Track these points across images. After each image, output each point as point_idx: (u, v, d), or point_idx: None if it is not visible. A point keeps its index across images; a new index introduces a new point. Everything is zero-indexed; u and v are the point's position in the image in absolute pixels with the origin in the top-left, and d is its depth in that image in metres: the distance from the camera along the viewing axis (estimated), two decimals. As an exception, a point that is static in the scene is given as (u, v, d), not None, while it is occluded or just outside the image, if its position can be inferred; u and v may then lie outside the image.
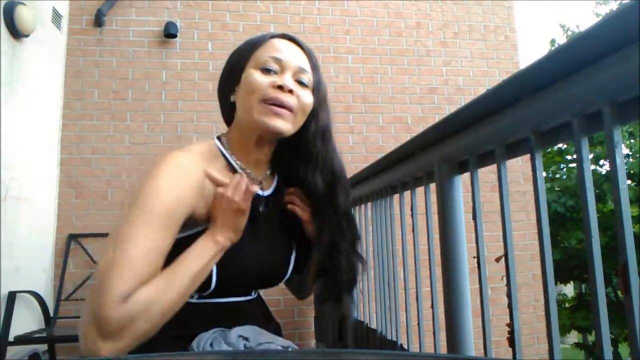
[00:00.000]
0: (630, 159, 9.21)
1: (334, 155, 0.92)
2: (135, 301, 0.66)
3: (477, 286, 1.02)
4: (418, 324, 1.46)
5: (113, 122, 3.28)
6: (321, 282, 0.95)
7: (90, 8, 3.36)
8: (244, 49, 0.91)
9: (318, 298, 2.49)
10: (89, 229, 3.12)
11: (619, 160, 0.65)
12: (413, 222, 1.43)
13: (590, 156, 3.49)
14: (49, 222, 3.04)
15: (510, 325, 0.91)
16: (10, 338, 2.40)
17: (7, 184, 2.51)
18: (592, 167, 8.92)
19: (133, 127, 3.30)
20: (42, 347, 2.74)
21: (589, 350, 9.19)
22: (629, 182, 8.29)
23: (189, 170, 0.79)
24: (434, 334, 1.32)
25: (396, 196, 1.65)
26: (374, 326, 1.87)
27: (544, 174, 4.09)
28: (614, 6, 11.49)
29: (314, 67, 0.90)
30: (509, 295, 0.91)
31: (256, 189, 0.88)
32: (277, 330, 0.95)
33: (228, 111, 0.94)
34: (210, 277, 0.80)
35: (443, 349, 1.26)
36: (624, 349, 8.70)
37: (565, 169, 9.82)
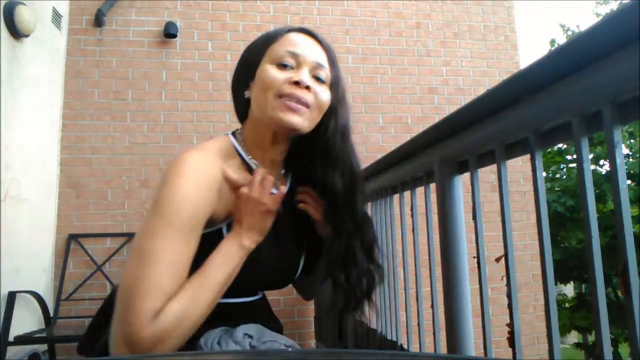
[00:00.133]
0: (630, 159, 9.21)
1: (353, 155, 0.88)
2: (165, 318, 0.65)
3: (477, 286, 1.02)
4: (418, 324, 1.45)
5: (113, 122, 3.28)
6: (336, 290, 0.91)
7: (90, 8, 3.36)
8: (259, 44, 0.87)
9: (334, 307, 2.49)
10: (89, 229, 3.12)
11: (619, 160, 0.65)
12: (413, 222, 1.43)
13: (590, 156, 3.49)
14: (49, 222, 3.04)
15: (510, 325, 0.91)
16: (10, 338, 2.40)
17: (7, 184, 2.51)
18: (592, 167, 8.92)
19: (133, 127, 3.30)
20: (42, 347, 2.74)
21: (589, 350, 9.19)
22: (629, 182, 8.29)
23: (209, 172, 0.76)
24: (434, 334, 1.32)
25: (396, 196, 1.65)
26: (374, 326, 1.87)
27: (544, 174, 4.09)
28: (614, 6, 11.49)
29: (332, 62, 0.87)
30: (509, 295, 0.91)
31: (284, 189, 0.86)
32: (279, 331, 0.95)
33: (242, 107, 0.90)
34: None
35: (443, 349, 1.26)
36: (624, 349, 8.70)
37: (565, 169, 9.82)
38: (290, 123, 0.79)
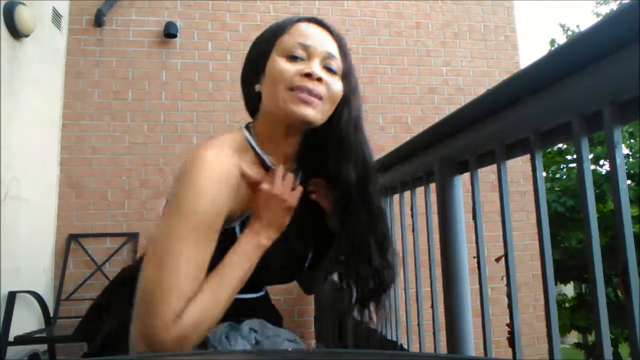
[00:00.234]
0: (630, 159, 9.21)
1: (366, 145, 0.86)
2: (187, 319, 0.66)
3: (477, 286, 1.02)
4: (418, 324, 1.45)
5: (113, 122, 3.28)
6: (343, 286, 0.90)
7: (90, 8, 3.36)
8: (268, 35, 0.85)
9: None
10: (89, 229, 3.12)
11: (619, 160, 0.65)
12: (413, 222, 1.43)
13: (590, 156, 3.49)
14: (49, 222, 3.04)
15: (510, 325, 0.91)
16: (10, 338, 2.40)
17: (7, 184, 2.51)
18: (592, 167, 8.92)
19: (133, 127, 3.30)
20: (42, 347, 2.74)
21: (589, 350, 9.19)
22: (629, 182, 8.30)
23: (227, 170, 0.75)
24: (434, 334, 1.32)
25: (396, 196, 1.65)
26: (373, 326, 1.87)
27: (544, 174, 4.09)
28: (614, 6, 11.49)
29: (343, 52, 0.85)
30: (509, 295, 0.91)
31: (300, 187, 0.86)
32: (280, 324, 0.95)
33: (253, 101, 0.88)
34: None
35: (443, 349, 1.26)
36: (624, 349, 8.70)
37: (565, 169, 9.82)
38: (303, 116, 0.78)
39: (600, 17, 0.85)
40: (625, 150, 9.16)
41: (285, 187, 0.80)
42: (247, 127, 0.88)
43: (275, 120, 0.82)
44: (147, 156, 3.27)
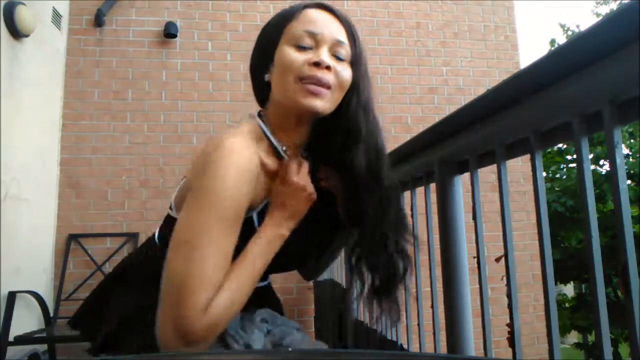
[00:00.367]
0: (630, 159, 9.21)
1: (377, 131, 0.85)
2: (216, 309, 0.67)
3: (477, 286, 1.02)
4: (418, 324, 1.45)
5: (113, 122, 3.28)
6: (355, 272, 0.89)
7: (90, 8, 3.36)
8: (276, 24, 0.85)
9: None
10: (89, 229, 3.12)
11: (619, 160, 0.65)
12: (413, 222, 1.43)
13: (590, 156, 3.49)
14: (49, 222, 3.04)
15: (510, 325, 0.91)
16: (10, 338, 2.40)
17: (7, 184, 2.51)
18: (592, 167, 8.92)
19: (133, 127, 3.30)
20: (42, 347, 2.74)
21: (589, 350, 9.20)
22: (629, 182, 8.30)
23: (249, 159, 0.75)
24: (434, 334, 1.32)
25: (396, 196, 1.65)
26: (373, 326, 1.87)
27: (544, 174, 4.09)
28: (614, 6, 11.50)
29: (352, 37, 0.84)
30: (509, 295, 0.91)
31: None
32: (282, 312, 0.96)
33: (262, 91, 0.88)
34: None
35: (443, 349, 1.26)
36: (624, 349, 8.70)
37: (565, 169, 9.82)
38: (312, 107, 0.78)
39: (600, 17, 0.85)
40: (625, 150, 9.16)
41: (306, 178, 0.82)
42: (259, 115, 0.87)
43: (286, 109, 0.82)
44: (147, 156, 3.27)
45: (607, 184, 7.81)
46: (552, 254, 0.82)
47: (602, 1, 11.98)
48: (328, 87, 0.79)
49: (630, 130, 8.76)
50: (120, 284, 0.92)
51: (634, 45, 0.59)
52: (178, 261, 0.68)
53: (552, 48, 3.73)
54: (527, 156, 0.87)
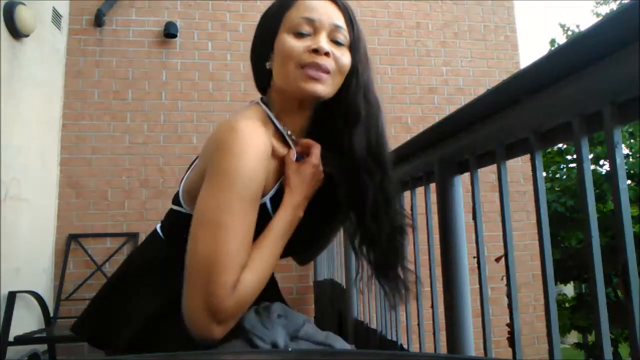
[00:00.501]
0: (630, 159, 9.21)
1: (378, 112, 0.87)
2: (243, 287, 0.70)
3: (477, 286, 1.02)
4: (418, 324, 1.45)
5: (113, 122, 3.28)
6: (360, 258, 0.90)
7: (90, 8, 3.36)
8: (274, 12, 0.87)
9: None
10: (89, 229, 3.12)
11: (619, 160, 0.65)
12: (413, 222, 1.43)
13: (590, 156, 3.49)
14: (49, 222, 3.04)
15: (510, 325, 0.91)
16: (10, 338, 2.40)
17: (7, 184, 2.51)
18: (592, 167, 8.92)
19: (133, 127, 3.30)
20: (42, 347, 2.74)
21: (589, 350, 9.19)
22: (629, 182, 8.30)
23: (263, 141, 0.77)
24: (434, 334, 1.32)
25: (396, 196, 1.65)
26: (374, 326, 1.87)
27: (544, 174, 4.09)
28: (614, 6, 11.50)
29: (350, 21, 0.85)
30: (509, 295, 0.91)
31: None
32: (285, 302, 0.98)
33: (263, 78, 0.90)
34: None
35: (443, 349, 1.26)
36: (624, 349, 8.70)
37: (565, 169, 9.82)
38: (313, 92, 0.80)
39: (600, 17, 0.85)
40: (625, 150, 9.16)
41: (319, 162, 0.85)
42: (263, 102, 0.88)
43: (288, 95, 0.84)
44: (147, 156, 3.28)
45: (607, 184, 7.81)
46: (552, 254, 0.82)
47: (602, 1, 11.99)
48: (328, 72, 0.80)
49: (630, 130, 8.76)
50: (133, 285, 0.91)
51: (634, 45, 0.59)
52: (204, 241, 0.69)
53: (552, 48, 3.73)
54: (527, 156, 0.87)
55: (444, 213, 1.16)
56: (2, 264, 2.38)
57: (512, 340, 0.92)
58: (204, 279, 0.67)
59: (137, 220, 3.19)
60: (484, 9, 3.99)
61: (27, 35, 2.68)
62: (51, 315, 2.80)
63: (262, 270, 0.74)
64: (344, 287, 2.27)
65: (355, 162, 0.84)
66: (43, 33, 2.95)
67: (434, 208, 1.26)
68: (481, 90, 2.07)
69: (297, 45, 0.81)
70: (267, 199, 0.82)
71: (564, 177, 9.51)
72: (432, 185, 1.26)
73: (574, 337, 11.45)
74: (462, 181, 1.17)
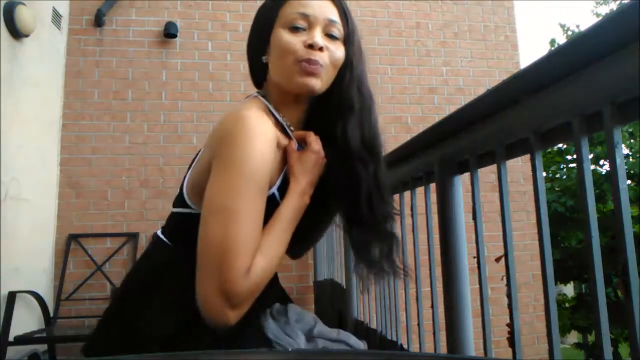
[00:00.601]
0: (630, 159, 9.21)
1: (371, 104, 0.90)
2: (255, 272, 0.71)
3: (477, 286, 1.02)
4: (418, 324, 1.45)
5: (113, 122, 3.28)
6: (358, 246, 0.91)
7: (90, 8, 3.36)
8: (270, 7, 0.89)
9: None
10: (89, 229, 3.12)
11: (619, 160, 0.65)
12: (413, 222, 1.43)
13: (590, 156, 3.49)
14: (49, 222, 3.04)
15: (510, 325, 0.91)
16: (10, 338, 2.40)
17: (7, 184, 2.51)
18: (592, 167, 8.92)
19: (133, 127, 3.30)
20: (42, 347, 2.74)
21: (589, 350, 9.19)
22: (629, 182, 8.30)
23: (271, 130, 0.78)
24: (434, 334, 1.32)
25: (396, 196, 1.65)
26: (374, 326, 1.87)
27: (544, 174, 4.09)
28: (614, 6, 11.50)
29: (344, 15, 0.87)
30: (509, 295, 0.91)
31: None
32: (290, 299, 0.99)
33: (259, 72, 0.92)
34: None
35: (443, 349, 1.26)
36: (624, 349, 8.70)
37: (565, 169, 9.82)
38: (308, 86, 0.82)
39: (600, 17, 0.85)
40: (625, 150, 9.16)
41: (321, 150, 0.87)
42: (261, 95, 0.90)
43: (284, 89, 0.86)
44: (147, 156, 3.28)
45: (607, 184, 7.81)
46: (552, 254, 0.82)
47: (602, 1, 11.99)
48: (322, 67, 0.83)
49: (630, 130, 8.76)
50: (143, 298, 0.86)
51: (634, 45, 0.59)
52: (217, 227, 0.70)
53: (552, 48, 3.73)
54: (527, 156, 0.87)
55: (444, 213, 1.16)
56: (2, 264, 2.38)
57: (512, 340, 0.92)
58: (218, 265, 0.68)
59: (137, 220, 3.19)
60: (484, 9, 3.99)
61: (27, 35, 2.68)
62: (51, 315, 2.81)
63: (273, 256, 0.75)
64: (344, 287, 2.27)
65: (350, 152, 0.86)
66: (43, 33, 2.95)
67: (434, 208, 1.26)
68: (481, 90, 2.07)
69: (292, 40, 0.82)
70: (274, 190, 0.83)
71: (564, 177, 9.51)
72: (432, 185, 1.26)
73: (574, 337, 11.46)
74: (462, 181, 1.17)
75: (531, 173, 0.85)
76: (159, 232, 0.91)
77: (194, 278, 0.71)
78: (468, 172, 1.08)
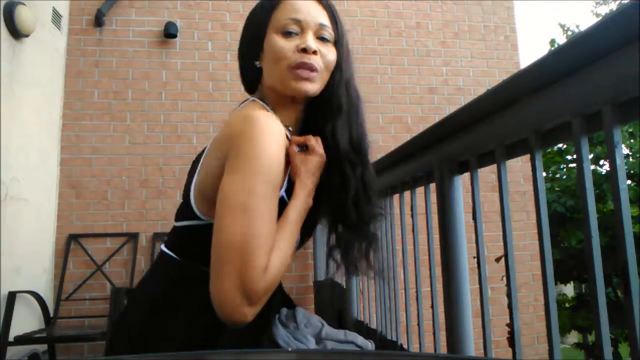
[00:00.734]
0: (630, 159, 9.21)
1: (359, 104, 0.92)
2: (272, 270, 0.72)
3: (477, 286, 1.02)
4: (418, 324, 1.46)
5: (113, 122, 3.28)
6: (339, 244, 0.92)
7: (90, 8, 3.36)
8: (261, 13, 0.90)
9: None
10: (89, 229, 3.12)
11: (619, 160, 0.65)
12: (413, 222, 1.43)
13: (590, 156, 3.49)
14: (49, 222, 3.04)
15: (510, 325, 0.91)
16: (10, 338, 2.40)
17: (7, 184, 2.51)
18: (592, 167, 8.92)
19: (133, 127, 3.30)
20: (42, 347, 2.74)
21: (589, 350, 9.19)
22: (629, 182, 8.29)
23: (280, 129, 0.79)
24: (434, 334, 1.32)
25: (396, 196, 1.65)
26: (374, 326, 1.88)
27: (544, 174, 4.09)
28: (614, 6, 11.50)
29: (334, 19, 0.89)
30: (509, 295, 0.91)
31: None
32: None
33: (252, 76, 0.92)
34: None
35: (443, 349, 1.26)
36: (624, 349, 8.70)
37: (565, 169, 9.82)
38: (304, 90, 0.84)
39: (600, 17, 0.85)
40: (625, 150, 9.15)
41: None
42: (259, 98, 0.91)
43: (280, 93, 0.87)
44: (147, 156, 3.27)
45: (607, 184, 7.81)
46: (552, 254, 0.82)
47: (602, 1, 11.99)
48: (316, 70, 0.85)
49: (630, 130, 8.76)
50: (165, 315, 0.83)
51: (634, 45, 0.59)
52: (235, 225, 0.70)
53: (552, 48, 3.73)
54: (527, 156, 0.87)
55: (444, 213, 1.16)
56: (2, 264, 2.38)
57: (512, 340, 0.92)
58: (237, 263, 0.69)
59: (137, 220, 3.19)
60: (484, 9, 3.99)
61: (27, 35, 2.68)
62: (51, 315, 2.80)
63: (285, 255, 0.76)
64: (344, 287, 2.27)
65: (339, 153, 0.87)
66: (43, 33, 2.95)
67: (434, 208, 1.26)
68: (481, 90, 2.07)
69: (286, 45, 0.84)
70: (282, 193, 0.83)
71: (564, 177, 9.50)
72: (432, 185, 1.26)
73: (574, 337, 11.45)
74: (462, 181, 1.17)
75: (531, 173, 0.85)
76: (163, 248, 0.89)
77: (208, 289, 0.70)
78: (468, 172, 1.08)
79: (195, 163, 0.90)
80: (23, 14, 2.59)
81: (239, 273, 0.68)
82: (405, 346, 1.60)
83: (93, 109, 3.27)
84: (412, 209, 1.45)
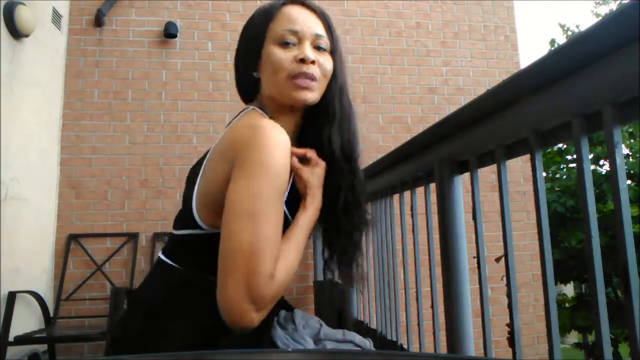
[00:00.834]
0: (630, 159, 9.21)
1: (352, 112, 0.94)
2: (279, 276, 0.73)
3: (477, 286, 1.02)
4: (418, 324, 1.46)
5: (113, 122, 3.28)
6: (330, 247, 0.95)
7: (90, 8, 3.36)
8: (258, 24, 0.91)
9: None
10: (89, 229, 3.12)
11: (619, 160, 0.66)
12: (413, 222, 1.43)
13: (590, 156, 3.49)
14: (49, 222, 3.04)
15: (510, 325, 0.91)
16: (10, 338, 2.40)
17: (7, 184, 2.51)
18: (592, 167, 8.91)
19: (133, 127, 3.30)
20: (42, 347, 2.74)
21: (589, 350, 9.19)
22: (629, 182, 8.29)
23: (285, 137, 0.80)
24: (434, 334, 1.32)
25: (396, 196, 1.65)
26: (374, 326, 1.88)
27: (544, 174, 4.09)
28: (614, 6, 11.50)
29: (329, 28, 0.91)
30: (509, 295, 0.91)
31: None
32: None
33: (249, 86, 0.93)
34: None
35: (443, 349, 1.26)
36: (624, 349, 8.70)
37: (565, 169, 9.82)
38: (303, 100, 0.86)
39: (600, 17, 0.85)
40: (625, 150, 9.15)
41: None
42: (258, 107, 0.91)
43: (279, 102, 0.89)
44: (147, 156, 3.27)
45: (607, 184, 7.81)
46: (552, 254, 0.82)
47: (602, 1, 11.99)
48: (315, 79, 0.86)
49: (630, 130, 8.76)
50: (166, 323, 0.83)
51: (634, 45, 0.59)
52: (243, 232, 0.71)
53: (552, 48, 3.73)
54: (527, 156, 0.87)
55: (444, 213, 1.16)
56: (2, 264, 2.38)
57: (512, 340, 0.92)
58: (245, 268, 0.69)
59: (137, 220, 3.19)
60: (484, 9, 3.99)
61: (27, 35, 2.68)
62: (51, 315, 2.80)
63: (293, 265, 0.78)
64: (344, 287, 2.26)
65: (332, 159, 0.90)
66: (43, 33, 2.95)
67: (434, 208, 1.26)
68: (481, 90, 2.07)
69: (285, 56, 0.86)
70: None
71: (564, 177, 9.50)
72: (432, 185, 1.26)
73: (574, 337, 11.45)
74: (462, 181, 1.17)
75: (531, 173, 0.85)
76: (161, 256, 0.89)
77: (209, 297, 0.71)
78: (468, 172, 1.08)
79: (193, 171, 0.89)
80: (23, 14, 2.59)
81: (246, 280, 0.69)
82: (405, 346, 1.60)
83: (93, 109, 3.27)
84: (412, 209, 1.45)
